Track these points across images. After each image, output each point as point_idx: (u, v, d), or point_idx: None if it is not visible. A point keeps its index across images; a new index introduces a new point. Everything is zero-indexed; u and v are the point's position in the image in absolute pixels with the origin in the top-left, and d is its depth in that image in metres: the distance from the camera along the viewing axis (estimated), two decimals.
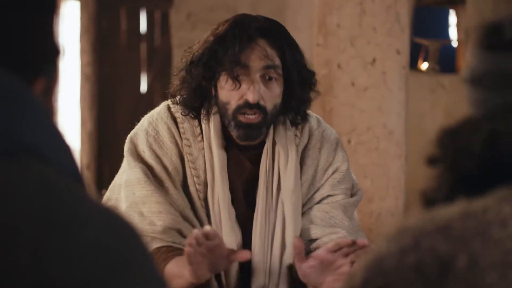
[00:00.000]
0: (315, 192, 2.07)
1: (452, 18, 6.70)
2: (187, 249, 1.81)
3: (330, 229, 2.02)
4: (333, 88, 3.55)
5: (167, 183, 2.00)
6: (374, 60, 3.57)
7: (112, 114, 6.83)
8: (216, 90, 2.00)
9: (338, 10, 3.54)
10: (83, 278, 0.72)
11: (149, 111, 2.12)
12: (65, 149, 0.80)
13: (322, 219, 2.04)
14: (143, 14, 6.84)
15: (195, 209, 2.02)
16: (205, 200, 2.02)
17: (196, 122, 2.05)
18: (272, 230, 2.03)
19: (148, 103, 6.67)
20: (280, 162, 2.03)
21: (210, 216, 2.01)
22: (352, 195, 2.11)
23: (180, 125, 2.04)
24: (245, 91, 1.95)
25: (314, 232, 2.02)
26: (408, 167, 3.75)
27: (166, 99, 2.11)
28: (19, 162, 0.75)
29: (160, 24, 6.79)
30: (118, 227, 0.76)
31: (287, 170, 2.03)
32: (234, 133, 1.99)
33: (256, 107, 1.95)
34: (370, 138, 3.54)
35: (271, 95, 1.97)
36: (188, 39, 6.22)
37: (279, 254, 2.02)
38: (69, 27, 6.48)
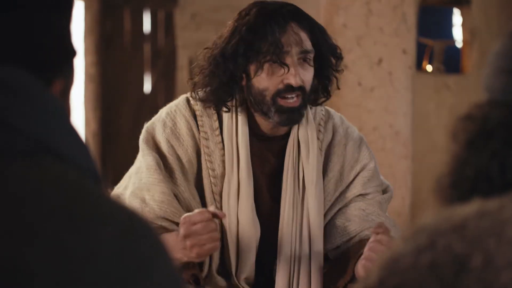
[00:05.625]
0: (346, 191, 2.09)
1: (457, 18, 6.70)
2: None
3: (368, 223, 2.04)
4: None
5: (178, 174, 2.02)
6: (380, 60, 3.57)
7: (116, 114, 6.84)
8: (248, 79, 1.99)
9: (344, 10, 3.55)
10: (102, 276, 0.72)
11: (153, 112, 2.13)
12: (84, 149, 0.80)
13: (359, 217, 2.06)
14: (147, 15, 6.84)
15: (205, 203, 2.03)
16: (220, 194, 2.03)
17: (214, 116, 2.06)
18: (300, 221, 2.04)
19: (152, 103, 6.67)
20: (302, 155, 2.05)
21: (222, 209, 2.01)
22: (383, 192, 2.13)
23: (198, 118, 2.05)
24: (283, 75, 1.95)
25: (353, 228, 2.04)
26: (413, 166, 3.75)
27: (170, 100, 2.11)
28: (38, 162, 0.76)
29: (164, 24, 6.79)
30: (136, 226, 0.77)
31: (309, 164, 2.04)
32: (275, 119, 1.99)
33: (298, 89, 1.96)
34: (376, 138, 3.54)
35: (308, 77, 1.98)
36: (192, 39, 6.23)
37: (308, 243, 2.03)
38: (74, 28, 6.49)
